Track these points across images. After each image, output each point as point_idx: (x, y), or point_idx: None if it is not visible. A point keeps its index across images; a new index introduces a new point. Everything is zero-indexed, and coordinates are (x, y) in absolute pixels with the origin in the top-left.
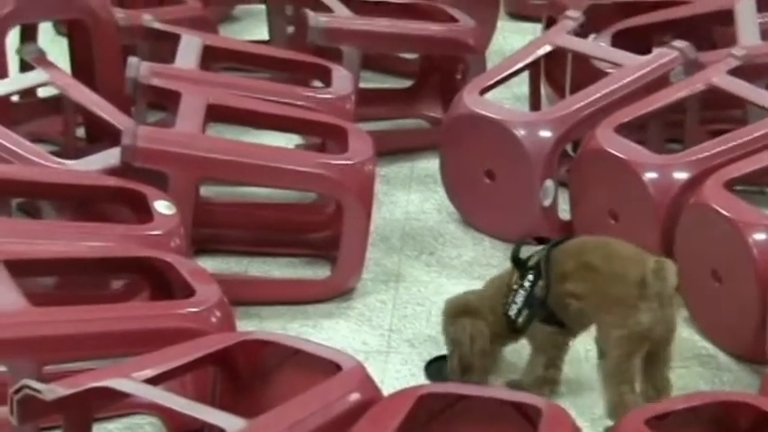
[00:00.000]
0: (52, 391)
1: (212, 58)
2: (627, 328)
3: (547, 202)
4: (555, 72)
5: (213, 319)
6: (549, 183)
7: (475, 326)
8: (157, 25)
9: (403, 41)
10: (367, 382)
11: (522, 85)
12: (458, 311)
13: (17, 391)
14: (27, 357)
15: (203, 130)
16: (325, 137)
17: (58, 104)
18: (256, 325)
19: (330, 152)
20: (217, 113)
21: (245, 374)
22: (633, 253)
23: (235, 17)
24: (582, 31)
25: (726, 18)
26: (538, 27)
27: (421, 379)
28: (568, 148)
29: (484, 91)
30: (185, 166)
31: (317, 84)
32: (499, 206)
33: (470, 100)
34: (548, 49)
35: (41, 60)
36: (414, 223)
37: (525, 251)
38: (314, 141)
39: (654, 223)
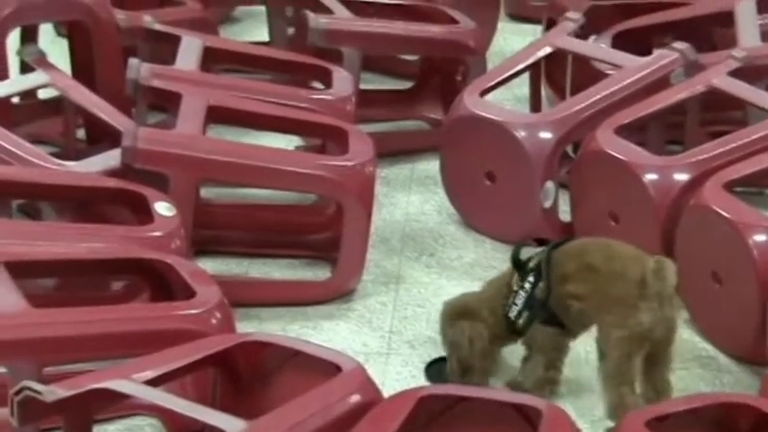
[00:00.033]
0: (52, 393)
1: (213, 59)
2: (627, 328)
3: (547, 204)
4: (555, 73)
5: (213, 321)
6: (550, 184)
7: (474, 328)
8: (158, 27)
9: (403, 43)
10: (367, 384)
11: (522, 86)
12: (456, 313)
13: (17, 393)
14: (27, 359)
15: (204, 131)
16: (326, 138)
17: (58, 106)
18: (256, 326)
19: (330, 154)
20: (217, 115)
21: (245, 376)
22: (633, 253)
23: (235, 18)
24: (582, 33)
25: (726, 19)
26: (538, 29)
27: (421, 380)
28: (569, 149)
29: (484, 92)
30: (186, 168)
31: (318, 85)
32: (499, 208)
33: (471, 101)
34: (548, 50)
35: (42, 62)
36: (414, 225)
37: (525, 253)
38: (314, 143)
39: (654, 225)
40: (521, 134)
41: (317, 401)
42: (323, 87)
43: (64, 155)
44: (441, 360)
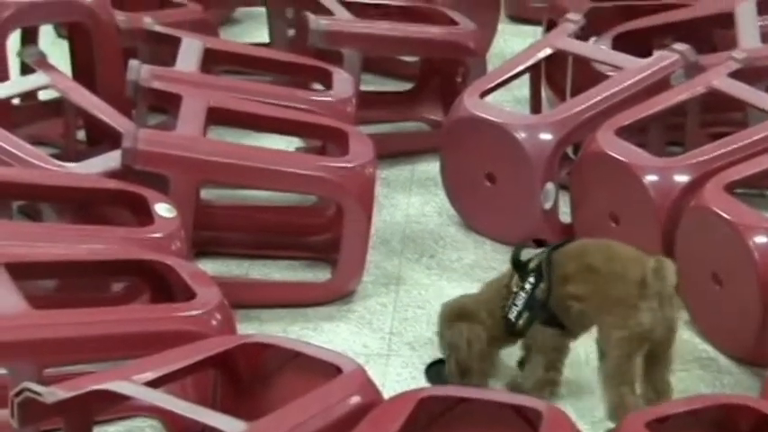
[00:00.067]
0: (53, 394)
1: (213, 60)
2: (627, 328)
3: (548, 205)
4: (555, 75)
5: (214, 322)
6: (550, 186)
7: (472, 330)
8: (158, 28)
9: (403, 44)
10: (367, 385)
11: (522, 88)
12: (454, 315)
13: (18, 394)
14: (27, 360)
15: (204, 133)
16: (326, 140)
17: (58, 107)
18: (257, 328)
19: (330, 155)
20: (217, 116)
21: (245, 377)
22: (634, 254)
23: (235, 20)
24: (582, 34)
25: (726, 21)
26: (538, 30)
27: (421, 382)
28: (569, 150)
29: (484, 94)
30: (186, 169)
31: (318, 87)
32: (500, 209)
33: (471, 103)
34: (548, 51)
35: (42, 63)
36: (414, 226)
37: (525, 254)
38: (314, 144)
39: (654, 226)
40: (521, 135)
41: (318, 403)
42: (323, 89)
43: (64, 156)
44: (441, 362)
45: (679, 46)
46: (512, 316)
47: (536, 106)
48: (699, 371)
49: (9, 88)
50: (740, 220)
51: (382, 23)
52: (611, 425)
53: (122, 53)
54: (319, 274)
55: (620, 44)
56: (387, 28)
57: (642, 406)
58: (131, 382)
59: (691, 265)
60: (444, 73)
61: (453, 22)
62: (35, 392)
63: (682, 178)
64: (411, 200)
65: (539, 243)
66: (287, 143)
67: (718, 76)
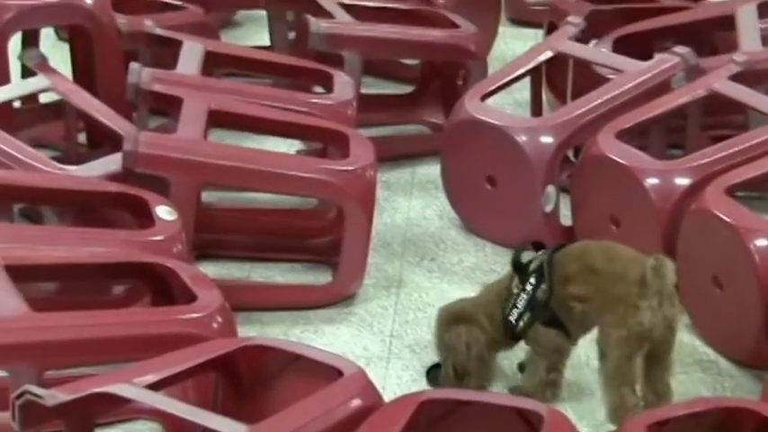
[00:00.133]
0: (53, 397)
1: (214, 63)
2: (627, 327)
3: (548, 208)
4: (556, 78)
5: (215, 325)
6: (551, 188)
7: (471, 333)
8: (159, 31)
9: (404, 47)
10: (368, 388)
11: (523, 90)
12: (453, 318)
13: (19, 397)
14: (28, 363)
15: (205, 135)
16: (327, 142)
17: (59, 110)
18: (258, 330)
19: (331, 158)
20: (218, 119)
21: (246, 380)
22: (634, 255)
23: (236, 23)
24: (583, 37)
25: (727, 24)
26: (539, 33)
27: (422, 385)
28: (570, 153)
29: (485, 97)
30: (187, 172)
31: (319, 89)
32: (501, 212)
33: (472, 106)
34: (549, 54)
35: (43, 66)
36: (415, 229)
37: (525, 256)
38: (315, 147)
39: (655, 229)
40: (522, 138)
41: (318, 406)
42: (324, 91)
43: (65, 159)
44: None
45: (680, 49)
46: (512, 317)
47: (537, 109)
48: (699, 374)
49: (10, 91)
50: (741, 223)
51: (383, 26)
52: (611, 427)
53: (123, 56)
54: (320, 277)
55: (621, 47)
56: (387, 31)
57: (642, 407)
58: (132, 385)
59: (691, 269)
60: (445, 76)
61: (454, 25)
62: (36, 395)
63: (682, 181)
64: (412, 203)
65: (537, 246)
66: (288, 146)
67: (719, 79)
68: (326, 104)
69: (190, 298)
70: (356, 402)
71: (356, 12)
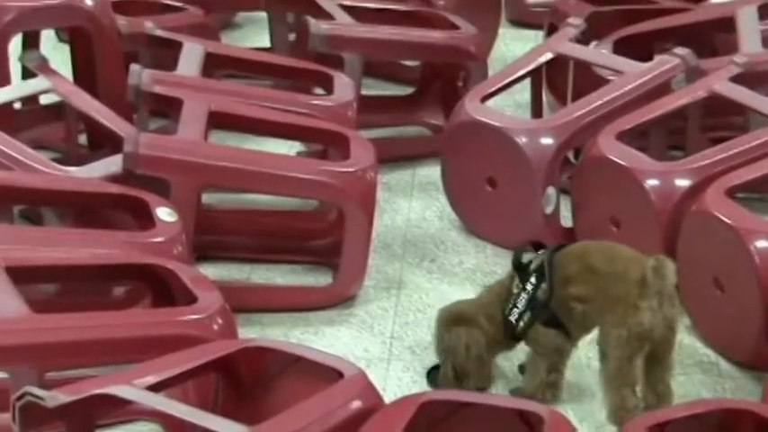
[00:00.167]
0: (54, 398)
1: (214, 65)
2: (627, 327)
3: (549, 210)
4: (556, 79)
5: (215, 326)
6: (551, 190)
7: (470, 334)
8: (159, 32)
9: (404, 49)
10: (369, 390)
11: (523, 92)
12: (452, 320)
13: (19, 398)
14: (29, 364)
15: (205, 137)
16: (327, 144)
17: (60, 111)
18: (258, 332)
19: (332, 159)
20: (219, 120)
21: (246, 381)
22: (634, 255)
23: (236, 24)
24: (583, 39)
25: (727, 25)
26: (539, 34)
27: (423, 386)
28: (570, 155)
29: (485, 98)
30: (187, 174)
31: (319, 91)
32: (501, 213)
33: (472, 107)
34: (549, 56)
35: (43, 67)
36: (415, 230)
37: (526, 256)
38: (316, 148)
39: (655, 230)
40: (522, 140)
41: (319, 407)
42: (324, 93)
43: (66, 160)
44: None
45: (680, 50)
46: (513, 317)
47: (537, 111)
48: (700, 375)
49: (10, 92)
50: (741, 224)
51: (383, 28)
52: (612, 429)
53: (124, 57)
54: (320, 279)
55: (621, 48)
56: (388, 32)
57: (643, 407)
58: (133, 386)
59: (692, 270)
60: (445, 77)
61: (454, 27)
62: (37, 396)
63: (683, 183)
64: (412, 204)
65: (537, 246)
66: (288, 147)
67: (720, 81)
68: (327, 106)
69: (190, 299)
70: (356, 404)
71: (356, 13)
